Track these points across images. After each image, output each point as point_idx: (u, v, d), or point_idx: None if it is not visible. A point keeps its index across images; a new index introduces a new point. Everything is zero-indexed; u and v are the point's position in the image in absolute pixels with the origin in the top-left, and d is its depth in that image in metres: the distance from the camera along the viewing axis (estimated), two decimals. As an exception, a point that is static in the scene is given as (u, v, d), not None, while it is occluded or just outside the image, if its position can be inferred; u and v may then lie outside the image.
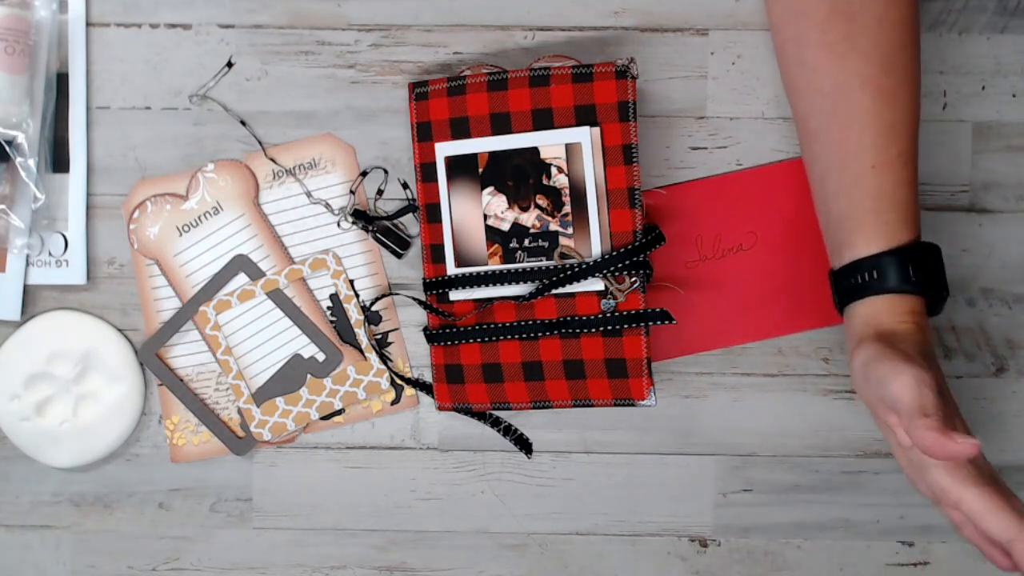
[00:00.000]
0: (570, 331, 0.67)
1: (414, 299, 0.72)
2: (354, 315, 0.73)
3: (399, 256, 0.72)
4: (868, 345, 0.61)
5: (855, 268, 0.63)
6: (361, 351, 0.73)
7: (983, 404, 0.73)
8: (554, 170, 0.67)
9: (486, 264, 0.69)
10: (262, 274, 0.72)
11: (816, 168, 0.66)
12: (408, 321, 0.73)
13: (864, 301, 0.63)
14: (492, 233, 0.68)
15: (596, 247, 0.67)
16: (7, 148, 0.69)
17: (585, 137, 0.67)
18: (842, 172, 0.64)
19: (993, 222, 0.73)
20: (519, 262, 0.68)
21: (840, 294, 0.65)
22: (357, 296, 0.73)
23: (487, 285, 0.68)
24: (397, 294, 0.73)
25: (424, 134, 0.69)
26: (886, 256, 0.62)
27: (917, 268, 0.62)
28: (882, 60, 0.62)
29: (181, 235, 0.72)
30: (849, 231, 0.64)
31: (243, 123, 0.72)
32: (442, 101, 0.68)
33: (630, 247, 0.66)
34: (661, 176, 0.72)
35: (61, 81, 0.72)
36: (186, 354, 0.73)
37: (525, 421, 0.73)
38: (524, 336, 0.68)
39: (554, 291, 0.68)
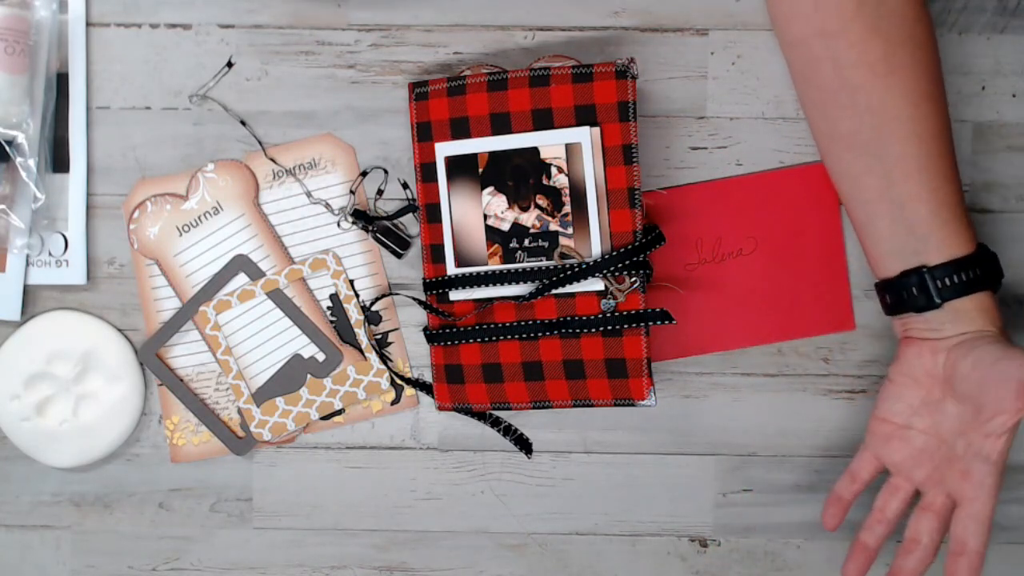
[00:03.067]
0: (570, 331, 0.67)
1: (414, 299, 0.72)
2: (354, 315, 0.73)
3: (399, 256, 0.72)
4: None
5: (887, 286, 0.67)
6: (361, 351, 0.73)
7: (983, 404, 0.73)
8: (554, 170, 0.67)
9: (486, 264, 0.69)
10: (262, 274, 0.72)
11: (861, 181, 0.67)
12: (408, 321, 0.73)
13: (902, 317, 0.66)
14: (492, 233, 0.68)
15: (596, 247, 0.67)
16: (7, 148, 0.69)
17: (585, 137, 0.67)
18: (890, 185, 0.64)
19: (993, 222, 0.72)
20: (519, 262, 0.68)
21: (886, 306, 0.68)
22: (357, 296, 0.73)
23: (487, 285, 0.68)
24: (397, 294, 0.73)
25: (424, 134, 0.69)
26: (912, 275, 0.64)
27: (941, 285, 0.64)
28: (921, 77, 0.63)
29: (181, 235, 0.72)
30: (917, 239, 0.65)
31: (243, 123, 0.72)
32: (442, 101, 0.68)
33: (630, 247, 0.66)
34: (661, 176, 0.72)
35: (61, 81, 0.72)
36: (186, 354, 0.73)
37: (525, 421, 0.73)
38: (524, 336, 0.68)
39: (554, 291, 0.67)
